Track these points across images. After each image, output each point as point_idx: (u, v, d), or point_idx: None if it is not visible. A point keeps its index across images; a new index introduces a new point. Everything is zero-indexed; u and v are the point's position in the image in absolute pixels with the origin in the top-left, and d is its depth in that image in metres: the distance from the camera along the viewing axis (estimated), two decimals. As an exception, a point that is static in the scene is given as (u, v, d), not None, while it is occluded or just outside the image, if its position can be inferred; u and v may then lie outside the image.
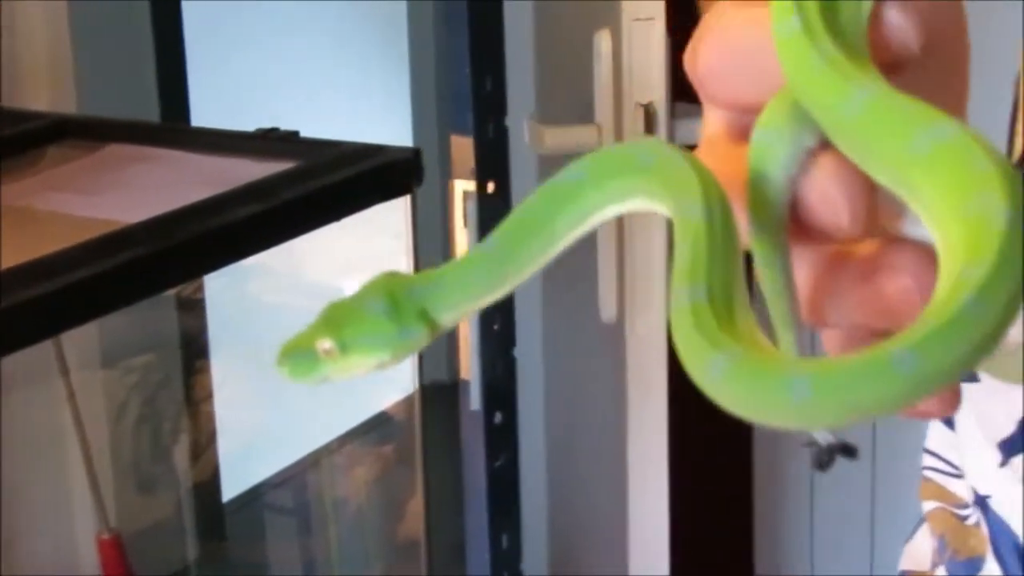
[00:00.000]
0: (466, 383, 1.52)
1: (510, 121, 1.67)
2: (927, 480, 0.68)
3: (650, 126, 1.70)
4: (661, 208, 0.36)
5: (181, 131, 1.71)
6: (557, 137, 1.72)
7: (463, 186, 1.55)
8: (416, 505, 1.56)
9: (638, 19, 1.67)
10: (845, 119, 0.32)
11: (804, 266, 0.36)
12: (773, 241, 0.35)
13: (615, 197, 0.36)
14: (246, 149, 1.52)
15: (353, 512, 1.80)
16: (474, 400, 1.51)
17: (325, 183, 1.41)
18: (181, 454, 1.92)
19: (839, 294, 0.35)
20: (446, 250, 1.57)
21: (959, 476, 0.66)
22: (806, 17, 0.33)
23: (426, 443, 1.54)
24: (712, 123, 0.38)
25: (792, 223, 0.35)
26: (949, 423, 0.66)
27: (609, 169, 0.36)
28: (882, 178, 0.32)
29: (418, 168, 1.45)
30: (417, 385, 1.52)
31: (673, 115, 1.76)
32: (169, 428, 1.89)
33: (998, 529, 0.61)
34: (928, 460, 0.68)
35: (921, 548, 0.69)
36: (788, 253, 0.35)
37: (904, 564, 0.70)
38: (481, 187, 1.51)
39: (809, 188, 0.35)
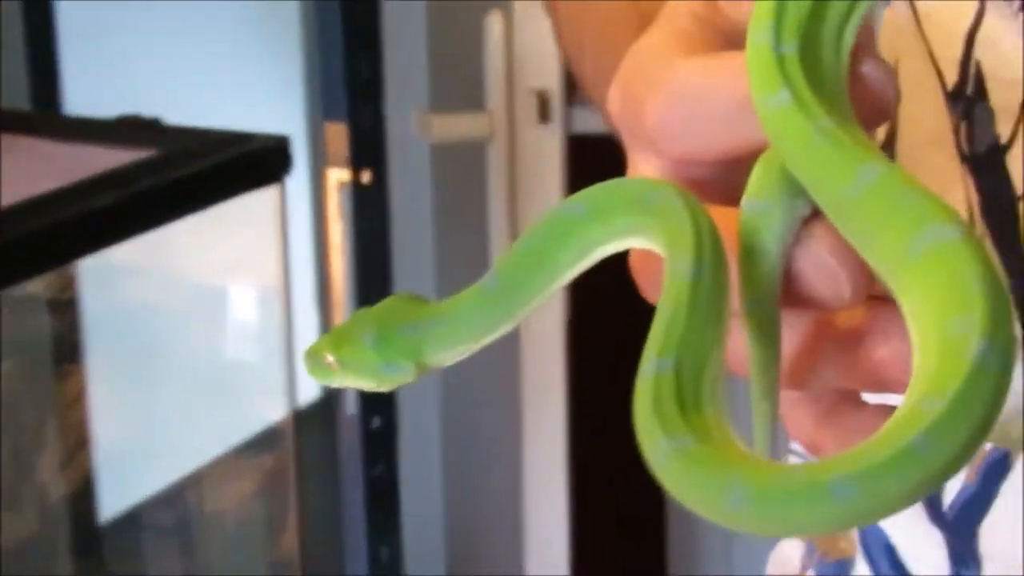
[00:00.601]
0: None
1: (398, 109, 1.65)
2: None
3: (544, 114, 1.65)
4: (661, 252, 0.35)
5: (38, 119, 1.64)
6: (446, 125, 1.69)
7: (338, 175, 1.47)
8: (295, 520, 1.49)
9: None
10: (846, 200, 0.32)
11: (789, 331, 0.36)
12: (765, 315, 0.35)
13: (618, 233, 0.36)
14: (106, 137, 1.46)
15: (234, 529, 1.74)
16: (349, 403, 1.44)
17: (187, 171, 1.38)
18: (51, 468, 1.84)
19: (826, 359, 0.36)
20: (320, 241, 1.50)
21: None
22: (795, 88, 0.33)
23: (302, 454, 1.50)
24: (647, 172, 0.38)
25: (786, 295, 0.35)
26: None
27: (613, 203, 0.36)
28: (876, 266, 0.32)
29: (286, 156, 1.42)
30: (290, 394, 1.46)
31: (569, 103, 1.71)
32: (37, 440, 1.81)
33: (868, 529, 0.60)
34: (792, 460, 0.67)
35: (787, 552, 0.68)
36: (779, 327, 0.35)
37: (771, 570, 0.69)
38: (356, 176, 1.46)
39: (806, 259, 0.35)
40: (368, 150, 1.49)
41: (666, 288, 0.34)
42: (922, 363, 0.30)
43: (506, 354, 1.82)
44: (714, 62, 0.36)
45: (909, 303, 0.31)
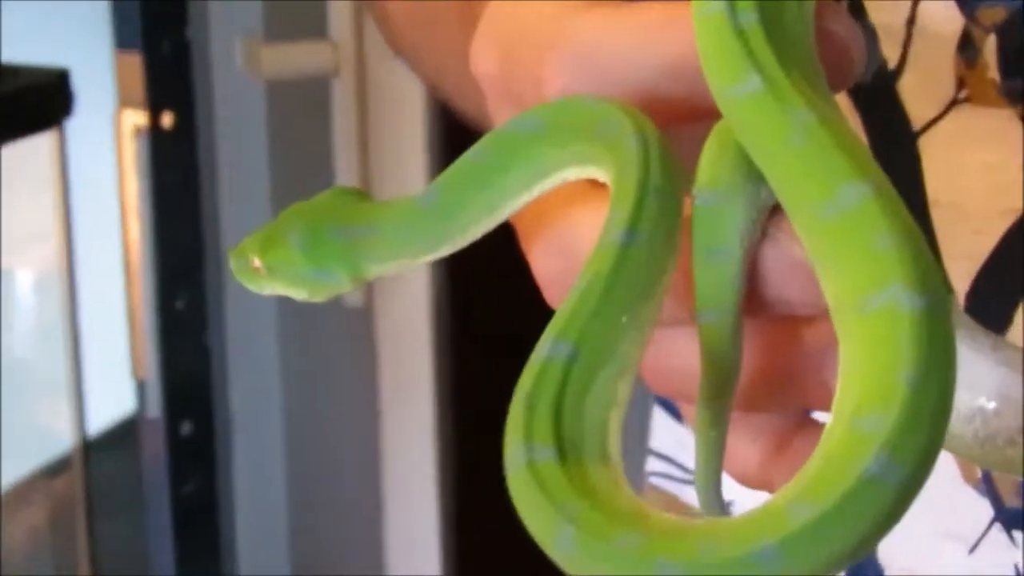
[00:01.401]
0: (144, 384, 1.24)
1: (222, 37, 1.54)
2: (653, 488, 0.66)
3: (399, 43, 1.43)
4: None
5: None
6: (279, 58, 1.55)
7: (133, 118, 1.26)
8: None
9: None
10: (815, 222, 0.31)
11: (751, 343, 0.35)
12: (723, 325, 0.34)
13: (575, 160, 0.35)
14: None
15: (26, 564, 1.51)
16: (152, 405, 1.23)
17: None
18: None
19: (792, 377, 0.35)
20: (116, 198, 1.29)
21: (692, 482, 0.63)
22: (766, 72, 0.32)
23: (112, 475, 1.28)
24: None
25: (749, 301, 0.35)
26: (677, 413, 0.63)
27: (571, 124, 0.35)
28: (829, 300, 0.32)
29: (66, 94, 1.32)
30: (77, 407, 1.25)
31: (430, 30, 1.50)
32: None
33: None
34: (655, 464, 0.65)
35: None
36: (740, 340, 0.35)
37: None
38: (154, 120, 1.27)
39: (775, 258, 0.34)
40: (169, 87, 1.32)
41: (594, 249, 0.33)
42: (847, 359, 0.30)
43: (359, 342, 1.72)
44: (629, 16, 0.36)
45: (826, 280, 0.31)
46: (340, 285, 0.37)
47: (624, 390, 0.33)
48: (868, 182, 0.30)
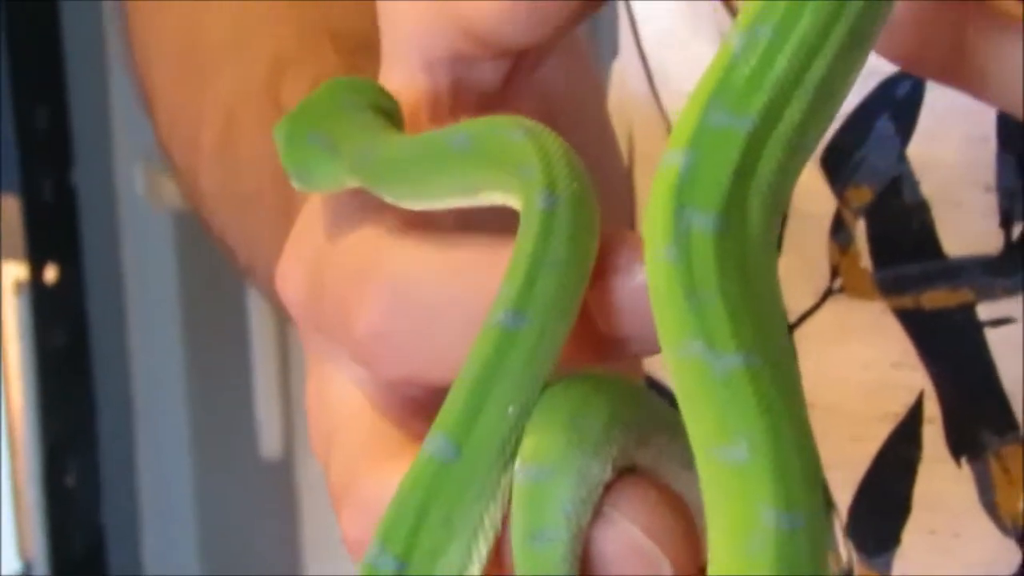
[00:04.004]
0: (31, 566, 1.23)
1: (126, 165, 1.52)
2: None
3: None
4: None
5: None
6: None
7: (15, 271, 1.27)
8: None
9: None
10: (698, 395, 0.32)
11: None
12: None
13: (500, 187, 0.35)
14: None
15: None
16: None
17: None
18: None
19: None
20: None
21: None
22: (712, 337, 0.32)
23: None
24: (345, 386, 0.38)
25: None
26: None
27: (497, 154, 0.35)
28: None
29: None
30: None
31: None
32: None
33: None
34: None
35: None
36: None
37: None
38: (36, 273, 1.22)
39: (613, 542, 0.34)
40: (53, 237, 1.28)
41: (480, 331, 0.33)
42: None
43: (278, 497, 1.73)
44: (445, 248, 0.36)
45: None
46: (321, 183, 0.39)
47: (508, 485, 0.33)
48: (766, 441, 0.31)
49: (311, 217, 0.39)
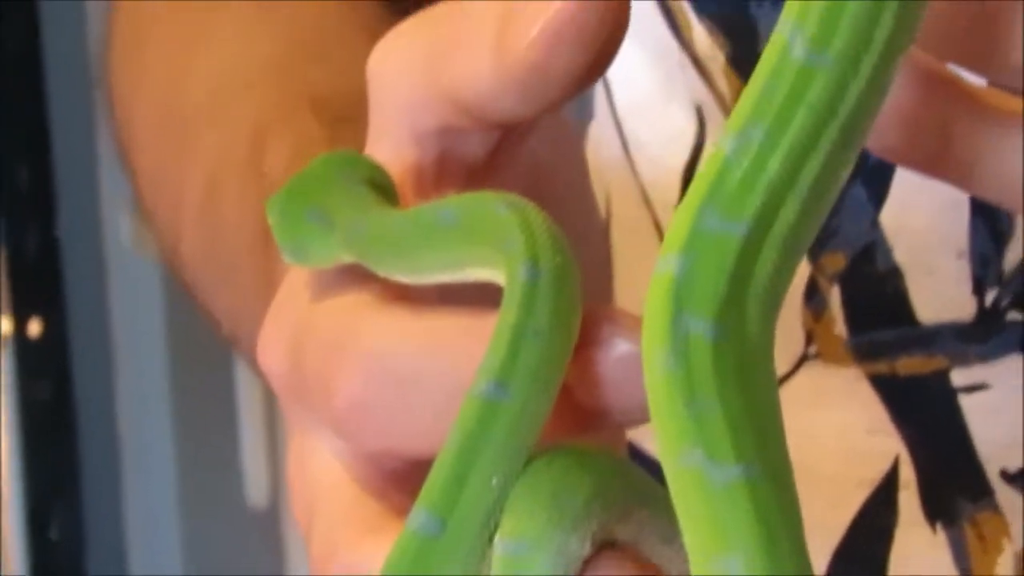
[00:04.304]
0: None
1: (113, 214, 1.51)
2: None
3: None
4: None
5: None
6: None
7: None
8: None
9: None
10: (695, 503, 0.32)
11: None
12: None
13: (485, 263, 0.36)
14: None
15: None
16: None
17: None
18: None
19: None
20: None
21: None
22: (711, 446, 0.32)
23: None
24: (325, 459, 0.38)
25: None
26: None
27: (482, 228, 0.36)
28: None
29: None
30: None
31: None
32: None
33: None
34: None
35: None
36: None
37: None
38: (19, 327, 1.23)
39: None
40: (37, 291, 1.30)
41: (464, 402, 0.33)
42: None
43: (264, 548, 1.71)
44: (424, 320, 0.36)
45: None
46: (316, 259, 0.39)
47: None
48: (762, 556, 0.31)
49: (291, 288, 0.39)
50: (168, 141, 0.61)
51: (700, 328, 0.32)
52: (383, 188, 0.39)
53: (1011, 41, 0.33)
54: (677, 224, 0.33)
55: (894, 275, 0.51)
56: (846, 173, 0.33)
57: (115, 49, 0.63)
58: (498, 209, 0.36)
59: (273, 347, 0.39)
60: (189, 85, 0.60)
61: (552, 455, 0.35)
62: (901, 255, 0.51)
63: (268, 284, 0.48)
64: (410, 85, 0.38)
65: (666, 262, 0.33)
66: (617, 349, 0.34)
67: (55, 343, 1.31)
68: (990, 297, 0.51)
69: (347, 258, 0.38)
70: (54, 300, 1.32)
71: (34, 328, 1.32)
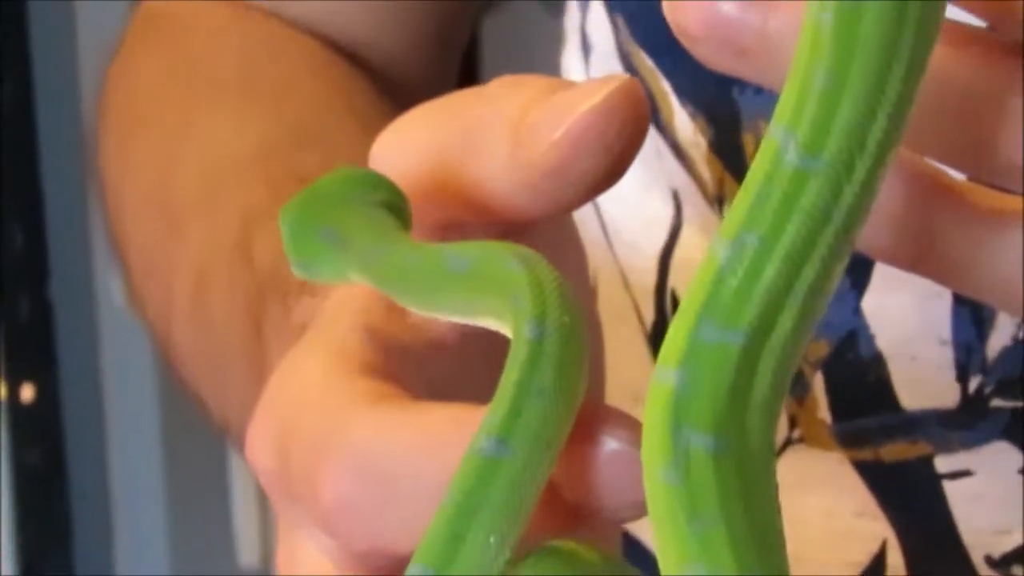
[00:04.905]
0: None
1: (98, 276, 1.53)
2: None
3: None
4: None
5: None
6: None
7: None
8: None
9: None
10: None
11: None
12: None
13: (493, 313, 0.36)
14: None
15: None
16: None
17: None
18: None
19: None
20: None
21: None
22: (716, 563, 0.32)
23: None
24: (312, 556, 0.38)
25: None
26: None
27: (492, 279, 0.36)
28: None
29: None
30: None
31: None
32: None
33: None
34: None
35: None
36: None
37: None
38: (12, 392, 1.25)
39: None
40: (29, 355, 1.32)
41: (463, 460, 0.33)
42: None
43: None
44: (412, 416, 0.35)
45: None
46: (326, 276, 0.40)
47: None
48: None
49: (280, 385, 0.39)
50: (157, 232, 0.61)
51: (700, 442, 0.32)
52: (399, 212, 0.39)
53: (998, 140, 0.33)
54: (674, 335, 0.33)
55: (877, 362, 0.52)
56: (840, 274, 0.32)
57: (105, 141, 0.63)
58: (509, 263, 0.36)
59: (261, 443, 0.39)
60: (177, 176, 0.61)
61: (542, 553, 0.35)
62: (884, 342, 0.52)
63: (259, 376, 0.49)
64: (418, 174, 0.38)
65: (665, 375, 0.32)
66: (609, 446, 0.34)
67: (48, 408, 1.31)
68: (974, 384, 0.51)
69: (358, 279, 0.38)
70: (47, 364, 1.33)
71: (27, 393, 1.32)
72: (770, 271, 0.32)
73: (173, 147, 0.61)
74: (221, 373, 0.58)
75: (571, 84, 0.36)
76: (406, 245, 0.38)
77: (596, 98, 0.35)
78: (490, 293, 0.36)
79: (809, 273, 0.32)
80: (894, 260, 0.35)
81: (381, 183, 0.40)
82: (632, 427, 0.34)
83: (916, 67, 0.32)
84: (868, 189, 0.32)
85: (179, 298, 0.60)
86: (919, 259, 0.35)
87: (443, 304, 0.38)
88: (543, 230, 0.39)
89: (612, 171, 0.35)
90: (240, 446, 0.60)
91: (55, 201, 1.43)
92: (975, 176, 0.35)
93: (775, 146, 0.32)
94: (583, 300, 0.42)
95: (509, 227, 0.38)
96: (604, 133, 0.35)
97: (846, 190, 0.32)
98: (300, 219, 0.40)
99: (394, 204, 0.39)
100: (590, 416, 0.34)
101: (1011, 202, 0.34)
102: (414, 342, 0.39)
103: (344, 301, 0.39)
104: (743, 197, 0.32)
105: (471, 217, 0.37)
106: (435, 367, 0.38)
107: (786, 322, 0.32)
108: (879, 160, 0.32)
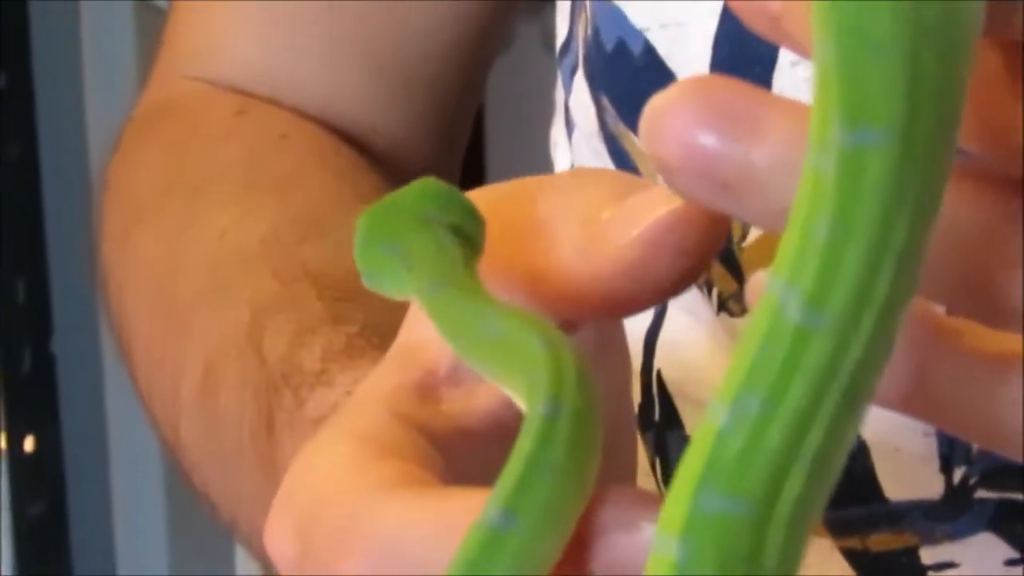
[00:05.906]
0: None
1: (103, 329, 1.47)
2: None
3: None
4: None
5: None
6: None
7: None
8: None
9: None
10: None
11: None
12: None
13: (515, 390, 0.36)
14: None
15: None
16: None
17: None
18: None
19: None
20: None
21: None
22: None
23: None
24: None
25: None
26: None
27: (518, 355, 0.36)
28: None
29: None
30: None
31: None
32: None
33: None
34: None
35: None
36: None
37: None
38: (14, 444, 1.25)
39: None
40: (31, 408, 1.33)
41: (469, 531, 0.33)
42: None
43: None
44: (431, 501, 0.35)
45: None
46: (388, 291, 0.40)
47: None
48: None
49: (303, 470, 0.39)
50: (162, 327, 0.62)
51: None
52: (470, 237, 0.39)
53: (998, 283, 0.32)
54: (674, 500, 0.31)
55: (861, 452, 0.53)
56: (855, 432, 0.30)
57: (108, 237, 0.64)
58: (534, 343, 0.35)
59: (281, 531, 0.39)
60: (181, 270, 0.61)
61: None
62: (868, 433, 0.52)
63: (271, 471, 0.50)
64: (487, 273, 0.37)
65: (665, 545, 0.31)
66: (641, 535, 0.34)
67: (50, 460, 1.33)
68: (958, 475, 0.52)
69: (415, 300, 0.39)
70: (49, 416, 1.34)
71: (29, 444, 1.34)
72: (774, 435, 0.30)
73: (175, 243, 0.61)
74: (230, 469, 0.59)
75: (645, 183, 0.35)
76: (458, 290, 0.38)
77: (678, 201, 0.34)
78: (513, 366, 0.36)
79: (818, 434, 0.30)
80: (880, 400, 0.33)
81: (459, 204, 0.39)
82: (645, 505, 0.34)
83: (925, 216, 0.30)
84: (878, 344, 0.30)
85: (187, 394, 0.60)
86: (908, 401, 0.34)
87: (472, 361, 0.38)
88: (594, 328, 0.38)
89: (686, 275, 0.35)
90: (249, 543, 0.60)
91: (58, 255, 1.44)
92: (981, 322, 0.33)
93: (775, 301, 0.30)
94: (622, 406, 0.41)
95: (568, 321, 0.37)
96: (685, 236, 0.34)
97: (853, 346, 0.30)
98: (372, 230, 0.40)
99: (466, 228, 0.39)
100: (626, 499, 0.34)
101: (1010, 343, 0.33)
102: (444, 429, 0.38)
103: (372, 387, 0.39)
104: (742, 358, 0.31)
105: (533, 306, 0.37)
106: (465, 454, 0.38)
107: (795, 487, 0.31)
108: (888, 314, 0.30)
